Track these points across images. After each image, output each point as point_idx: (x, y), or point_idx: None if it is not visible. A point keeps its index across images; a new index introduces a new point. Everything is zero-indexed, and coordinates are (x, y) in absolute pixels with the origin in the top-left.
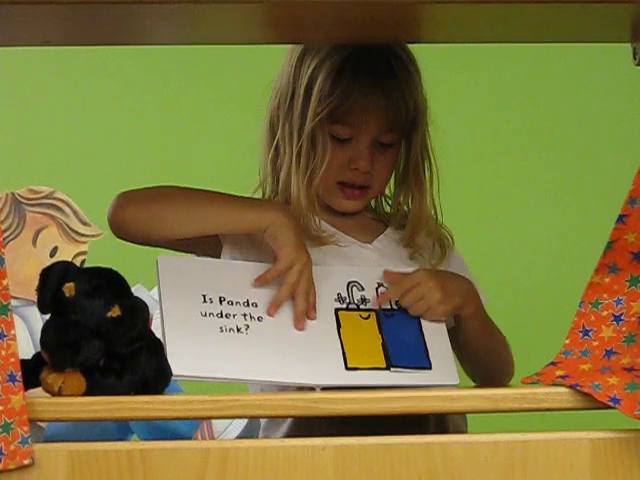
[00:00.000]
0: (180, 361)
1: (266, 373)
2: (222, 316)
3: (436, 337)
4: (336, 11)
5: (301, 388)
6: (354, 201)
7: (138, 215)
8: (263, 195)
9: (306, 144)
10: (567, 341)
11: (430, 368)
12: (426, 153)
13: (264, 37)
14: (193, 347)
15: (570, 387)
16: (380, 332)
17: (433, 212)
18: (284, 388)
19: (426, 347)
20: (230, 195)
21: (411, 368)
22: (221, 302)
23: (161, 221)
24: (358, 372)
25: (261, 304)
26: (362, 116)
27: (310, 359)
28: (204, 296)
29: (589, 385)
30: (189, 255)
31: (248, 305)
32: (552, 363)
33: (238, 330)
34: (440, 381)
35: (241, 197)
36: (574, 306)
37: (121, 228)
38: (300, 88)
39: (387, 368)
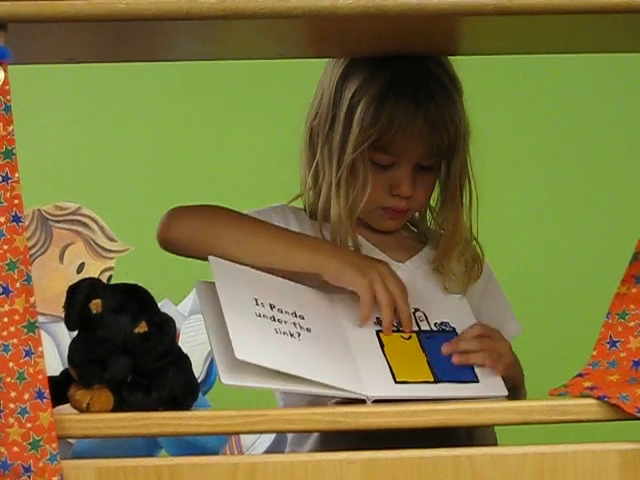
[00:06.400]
0: (246, 346)
1: (324, 375)
2: (275, 320)
3: None
4: (371, 25)
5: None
6: (395, 221)
7: (190, 237)
8: (304, 204)
9: (346, 173)
10: (594, 352)
11: (477, 381)
12: (466, 175)
13: (298, 52)
14: (256, 337)
15: (598, 398)
16: (423, 351)
17: (469, 234)
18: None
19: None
20: (284, 230)
21: (458, 382)
22: (272, 308)
23: (214, 247)
24: (407, 385)
25: (308, 317)
26: (404, 144)
27: (360, 372)
28: (256, 300)
29: (617, 396)
30: None
31: (296, 316)
32: (579, 374)
33: (291, 335)
34: (489, 393)
35: (294, 234)
36: (601, 317)
37: (171, 246)
38: (341, 113)
39: (435, 382)
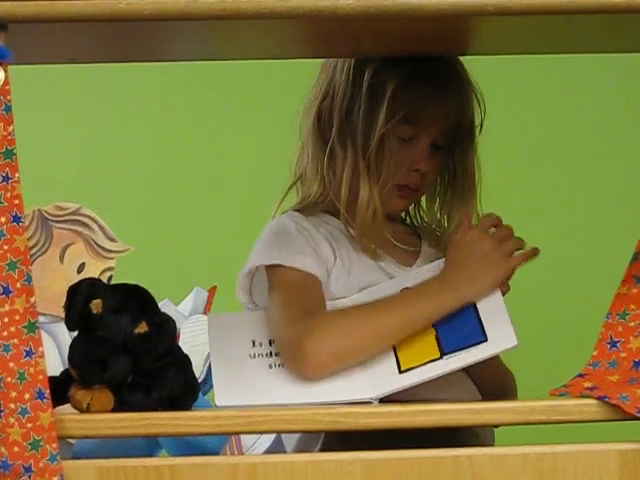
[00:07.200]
0: (227, 394)
1: (316, 395)
2: (271, 355)
3: (490, 304)
4: (371, 25)
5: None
6: (404, 200)
7: (341, 354)
8: (305, 197)
9: (375, 148)
10: (595, 352)
11: (486, 340)
12: (473, 170)
13: (298, 52)
14: (241, 382)
15: (598, 399)
16: (434, 324)
17: None
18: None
19: (480, 321)
20: (410, 292)
21: (465, 347)
22: (270, 344)
23: (368, 350)
24: (412, 372)
25: None
26: (429, 116)
27: (364, 375)
28: (253, 341)
29: (617, 397)
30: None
31: None
32: (580, 375)
33: None
34: (496, 349)
35: (421, 288)
36: (601, 317)
37: (327, 373)
38: (362, 92)
39: (441, 357)
